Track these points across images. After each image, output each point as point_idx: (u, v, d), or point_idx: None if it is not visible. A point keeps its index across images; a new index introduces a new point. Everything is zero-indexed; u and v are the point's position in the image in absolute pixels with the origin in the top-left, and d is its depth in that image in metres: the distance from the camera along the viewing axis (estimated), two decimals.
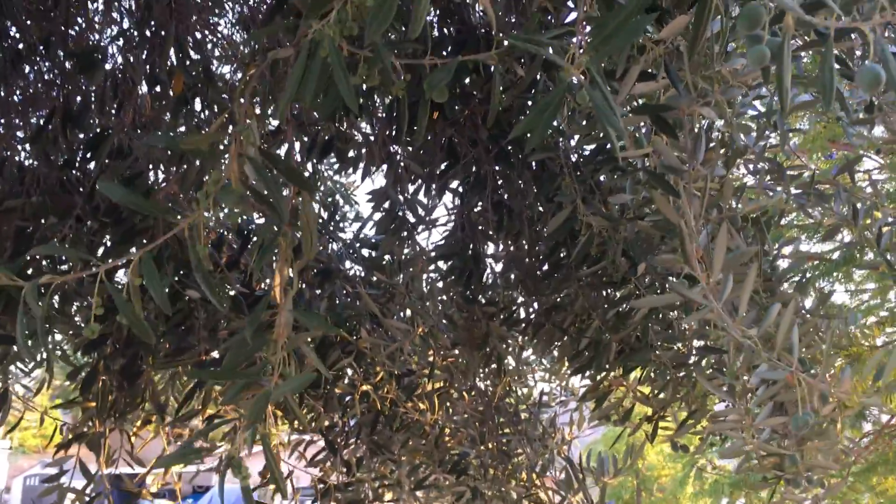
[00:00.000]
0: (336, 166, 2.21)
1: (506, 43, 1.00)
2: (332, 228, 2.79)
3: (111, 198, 0.85)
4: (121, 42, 2.31)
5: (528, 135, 0.93)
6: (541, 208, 2.00)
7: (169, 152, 1.99)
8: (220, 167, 0.93)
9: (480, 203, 2.05)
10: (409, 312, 2.46)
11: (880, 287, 4.32)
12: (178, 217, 0.91)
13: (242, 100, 0.97)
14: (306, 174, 2.11)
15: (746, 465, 1.88)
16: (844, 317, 2.59)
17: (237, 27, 2.88)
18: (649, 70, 1.17)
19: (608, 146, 1.80)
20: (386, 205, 2.10)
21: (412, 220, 2.12)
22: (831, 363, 1.76)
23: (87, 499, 2.06)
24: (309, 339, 1.11)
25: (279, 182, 0.96)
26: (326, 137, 1.89)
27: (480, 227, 2.14)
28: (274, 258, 1.07)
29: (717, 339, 1.51)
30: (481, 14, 1.70)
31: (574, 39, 0.95)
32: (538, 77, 1.51)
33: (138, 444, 2.16)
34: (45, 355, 1.95)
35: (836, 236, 2.09)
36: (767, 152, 2.11)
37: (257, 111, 1.07)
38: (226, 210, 0.92)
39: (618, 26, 0.88)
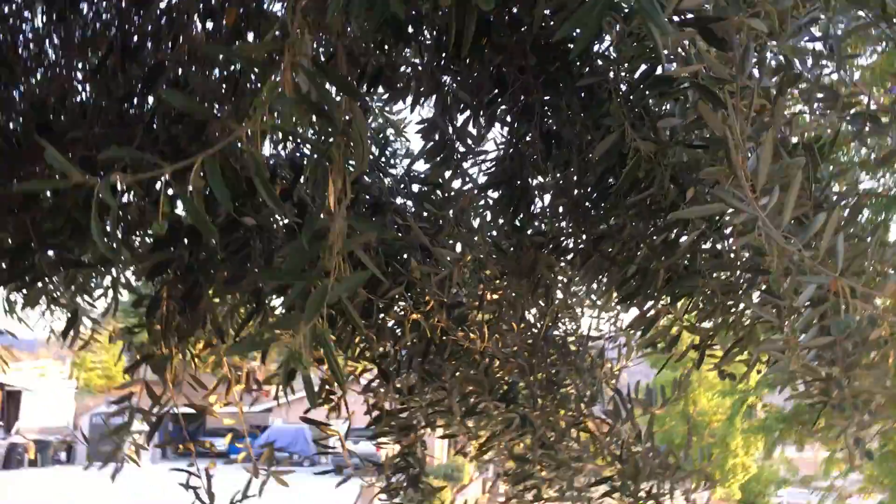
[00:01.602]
0: (385, 97, 2.23)
1: None
2: (382, 164, 2.83)
3: (172, 104, 0.89)
4: None
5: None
6: (589, 136, 2.00)
7: (223, 87, 2.04)
8: (274, 77, 0.97)
9: (529, 132, 2.06)
10: (458, 244, 2.51)
11: None
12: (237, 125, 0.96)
13: (294, 12, 1.00)
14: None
15: (792, 391, 1.90)
16: None
17: None
18: None
19: (658, 69, 1.79)
20: (435, 135, 2.13)
21: (461, 149, 2.14)
22: (883, 285, 1.75)
23: (154, 419, 2.18)
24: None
25: (331, 92, 1.00)
26: (375, 66, 1.91)
27: (529, 157, 2.15)
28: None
29: (766, 264, 1.52)
30: None
31: None
32: None
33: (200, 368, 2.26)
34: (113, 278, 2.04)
35: (891, 165, 2.05)
36: (824, 80, 2.07)
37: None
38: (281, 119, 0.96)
39: None
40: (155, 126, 1.99)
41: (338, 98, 1.05)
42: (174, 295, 2.17)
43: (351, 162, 1.19)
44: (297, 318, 0.98)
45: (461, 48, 1.83)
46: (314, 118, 1.01)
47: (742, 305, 2.05)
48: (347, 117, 1.08)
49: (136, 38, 2.19)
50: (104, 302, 2.45)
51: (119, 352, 2.45)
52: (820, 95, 2.07)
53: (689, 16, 1.30)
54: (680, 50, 1.57)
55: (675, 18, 1.35)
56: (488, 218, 2.27)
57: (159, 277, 2.09)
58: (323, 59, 1.97)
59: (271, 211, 2.11)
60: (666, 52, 1.59)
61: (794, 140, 1.85)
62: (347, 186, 1.10)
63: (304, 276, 0.99)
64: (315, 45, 1.70)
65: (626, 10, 1.24)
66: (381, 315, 2.50)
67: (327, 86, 1.03)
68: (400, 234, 2.51)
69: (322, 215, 1.12)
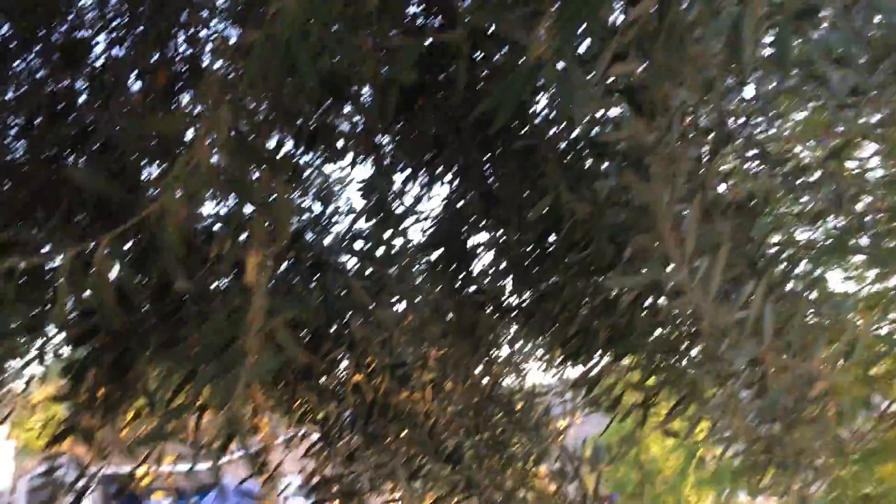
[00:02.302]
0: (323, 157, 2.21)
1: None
2: (325, 221, 2.80)
3: (77, 182, 0.85)
4: (110, 35, 2.32)
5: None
6: (528, 195, 2.00)
7: (156, 145, 1.99)
8: (190, 150, 0.94)
9: (468, 192, 2.05)
10: (400, 303, 2.47)
11: (880, 273, 4.31)
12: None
13: (212, 84, 0.98)
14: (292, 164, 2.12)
15: (734, 450, 1.89)
16: (835, 302, 2.58)
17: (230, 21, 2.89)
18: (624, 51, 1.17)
19: (594, 131, 1.80)
20: (374, 195, 2.10)
21: (400, 209, 2.12)
22: (815, 346, 1.76)
23: (78, 492, 2.07)
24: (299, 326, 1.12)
25: (250, 165, 0.97)
26: (312, 127, 1.89)
27: (469, 216, 2.14)
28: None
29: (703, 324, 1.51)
30: None
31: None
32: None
33: (130, 437, 2.17)
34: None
35: (821, 222, 2.09)
36: (757, 138, 2.11)
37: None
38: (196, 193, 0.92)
39: (583, 4, 0.88)
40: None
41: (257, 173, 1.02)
42: (103, 361, 2.08)
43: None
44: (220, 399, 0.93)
45: (398, 110, 1.82)
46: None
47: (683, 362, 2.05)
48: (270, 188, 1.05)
49: (66, 95, 2.14)
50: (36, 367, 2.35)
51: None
52: (754, 152, 2.11)
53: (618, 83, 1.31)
54: (612, 113, 1.58)
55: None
56: (428, 278, 2.24)
57: (87, 344, 2.01)
58: (259, 118, 1.95)
59: (207, 274, 2.06)
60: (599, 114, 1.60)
61: (729, 199, 1.86)
62: (269, 259, 1.06)
63: (219, 358, 0.95)
64: (252, 106, 1.67)
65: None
66: (323, 376, 2.44)
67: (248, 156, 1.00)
68: (342, 293, 2.47)
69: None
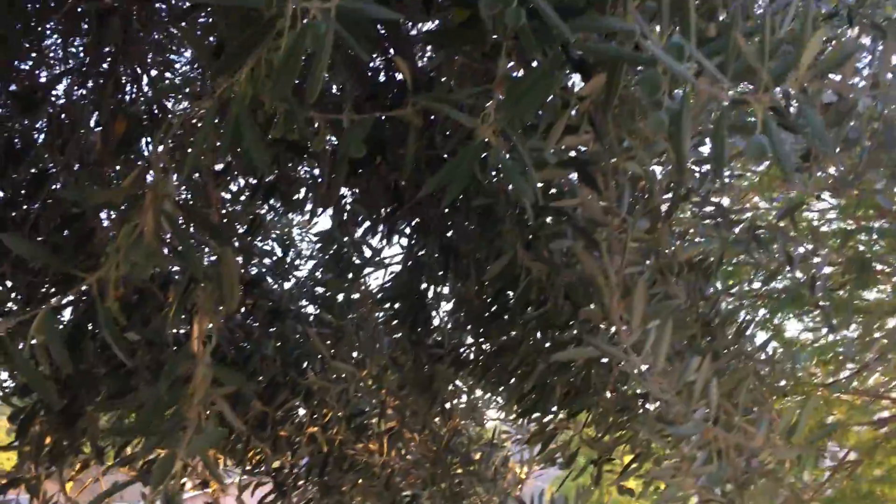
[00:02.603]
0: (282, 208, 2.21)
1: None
2: (286, 266, 2.78)
3: (14, 250, 0.84)
4: (69, 79, 2.30)
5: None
6: (486, 252, 2.00)
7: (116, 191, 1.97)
8: (133, 220, 0.93)
9: (427, 245, 2.06)
10: (358, 353, 2.46)
11: (835, 325, 4.37)
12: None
13: (160, 151, 0.97)
14: (251, 216, 2.11)
15: None
16: (790, 358, 2.62)
17: (195, 65, 2.89)
18: (575, 124, 1.19)
19: (551, 191, 1.82)
20: (332, 247, 2.10)
21: (358, 262, 2.12)
22: (765, 412, 1.78)
23: None
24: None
25: (193, 236, 0.96)
26: (270, 180, 1.89)
27: (427, 269, 2.14)
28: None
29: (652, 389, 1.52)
30: (424, 62, 1.72)
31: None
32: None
33: (77, 488, 2.12)
34: None
35: (774, 281, 2.12)
36: (713, 196, 2.15)
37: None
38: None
39: (528, 88, 0.89)
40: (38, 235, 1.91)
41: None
42: (51, 410, 2.04)
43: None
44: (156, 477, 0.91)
45: (358, 165, 1.83)
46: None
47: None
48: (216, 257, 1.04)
49: (22, 139, 2.11)
50: None
51: None
52: (709, 209, 2.14)
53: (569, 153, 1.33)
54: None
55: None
56: (386, 331, 2.24)
57: (33, 394, 1.96)
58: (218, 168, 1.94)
59: (159, 324, 2.03)
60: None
61: (680, 257, 1.88)
62: (215, 328, 1.05)
63: (159, 430, 0.93)
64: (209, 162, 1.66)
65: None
66: (276, 427, 2.41)
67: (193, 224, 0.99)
68: (299, 341, 2.45)
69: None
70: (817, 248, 2.49)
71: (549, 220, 1.89)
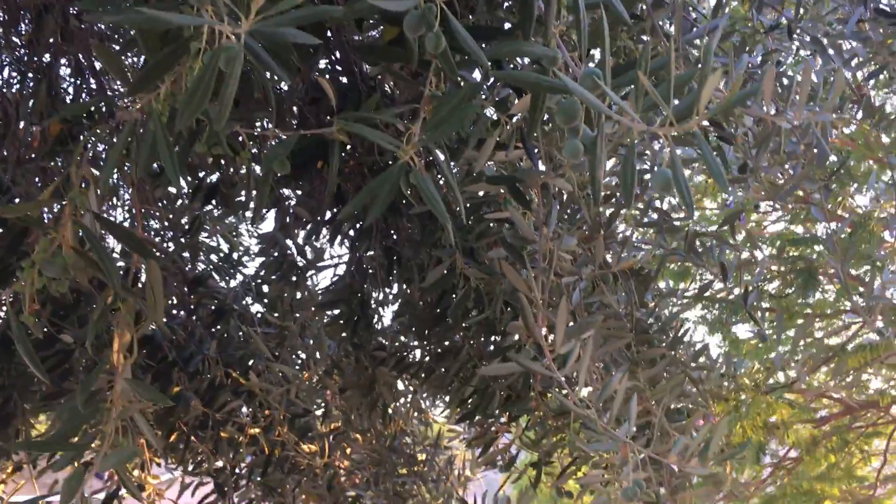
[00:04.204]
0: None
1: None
2: (233, 264, 2.76)
3: None
4: (6, 72, 2.26)
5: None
6: (429, 256, 2.01)
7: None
8: (49, 234, 0.92)
9: (369, 249, 2.06)
10: (301, 354, 2.45)
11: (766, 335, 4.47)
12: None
13: (79, 165, 0.96)
14: (195, 215, 2.09)
15: None
16: (731, 362, 2.67)
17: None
18: (506, 140, 1.20)
19: (490, 201, 1.83)
20: (276, 248, 2.09)
21: (302, 263, 2.11)
22: (694, 420, 1.82)
23: None
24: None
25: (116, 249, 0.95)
26: (211, 181, 1.87)
27: (371, 273, 2.14)
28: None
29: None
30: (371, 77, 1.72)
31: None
32: None
33: (10, 489, 2.08)
34: None
35: (710, 289, 2.17)
36: (654, 204, 2.18)
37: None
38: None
39: (451, 111, 0.90)
40: None
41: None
42: None
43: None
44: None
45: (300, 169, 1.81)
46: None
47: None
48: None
49: None
50: None
51: None
52: (651, 217, 2.18)
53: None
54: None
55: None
56: (329, 333, 2.23)
57: None
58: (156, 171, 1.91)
59: (97, 325, 2.00)
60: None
61: (617, 266, 1.90)
62: (135, 342, 1.04)
63: (73, 445, 0.92)
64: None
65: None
66: (217, 428, 2.39)
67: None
68: (242, 341, 2.44)
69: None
70: (756, 256, 2.53)
71: (491, 225, 1.90)
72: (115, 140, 1.01)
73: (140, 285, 1.23)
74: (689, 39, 1.42)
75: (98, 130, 1.01)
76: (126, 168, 1.24)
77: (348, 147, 1.50)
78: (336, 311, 2.21)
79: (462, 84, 0.93)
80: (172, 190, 2.27)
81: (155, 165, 1.76)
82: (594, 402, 1.11)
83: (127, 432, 0.97)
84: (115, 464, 0.90)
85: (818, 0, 2.16)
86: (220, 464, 2.51)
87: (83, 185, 0.95)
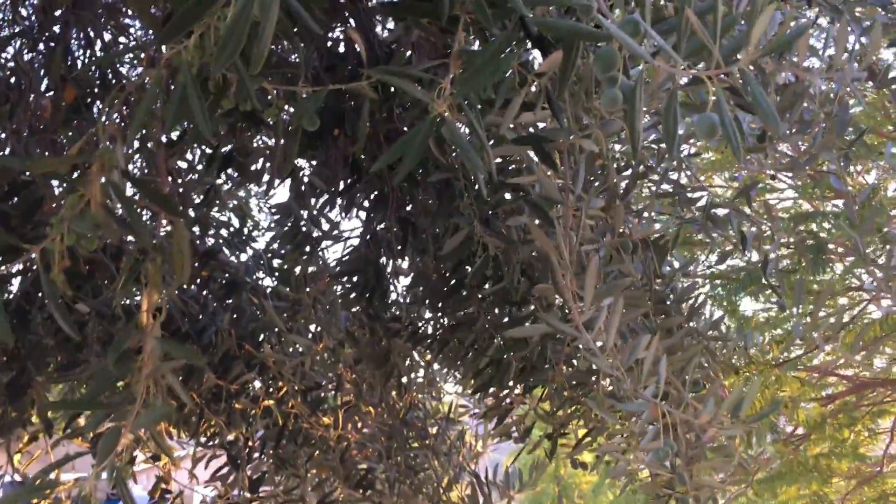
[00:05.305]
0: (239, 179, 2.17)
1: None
2: (243, 238, 2.75)
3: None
4: (18, 43, 2.23)
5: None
6: (445, 226, 2.00)
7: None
8: (79, 190, 0.91)
9: (385, 219, 2.04)
10: (315, 326, 2.45)
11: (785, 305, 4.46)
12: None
13: (106, 120, 0.95)
14: (207, 186, 2.08)
15: (634, 484, 1.92)
16: (742, 336, 2.67)
17: (149, 29, 2.81)
18: (532, 101, 1.18)
19: (510, 167, 1.81)
20: (290, 219, 2.08)
21: (316, 234, 2.10)
22: (714, 389, 1.81)
23: None
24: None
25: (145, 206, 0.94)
26: (226, 150, 1.85)
27: (386, 243, 2.13)
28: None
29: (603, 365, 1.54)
30: (384, 34, 1.70)
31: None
32: None
33: (25, 460, 2.08)
34: None
35: (728, 259, 2.15)
36: (671, 174, 2.16)
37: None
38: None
39: (485, 63, 0.89)
40: None
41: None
42: None
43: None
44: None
45: (315, 137, 1.80)
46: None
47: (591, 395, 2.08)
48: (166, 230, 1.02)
49: None
50: None
51: None
52: (666, 188, 2.16)
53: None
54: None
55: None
56: (343, 305, 2.23)
57: None
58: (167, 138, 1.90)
59: (109, 295, 2.00)
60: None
61: (636, 234, 1.89)
62: (164, 301, 1.03)
63: (107, 404, 0.92)
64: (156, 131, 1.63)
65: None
66: (230, 400, 2.39)
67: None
68: (255, 313, 2.43)
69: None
70: (773, 227, 2.52)
71: (507, 195, 1.89)
72: (139, 96, 0.99)
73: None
74: None
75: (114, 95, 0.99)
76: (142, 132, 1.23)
77: (364, 115, 1.48)
78: (350, 283, 2.20)
79: (493, 37, 0.92)
80: (182, 164, 2.26)
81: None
82: (623, 365, 1.10)
83: (157, 392, 0.97)
84: (148, 422, 0.90)
85: None
86: (233, 436, 2.52)
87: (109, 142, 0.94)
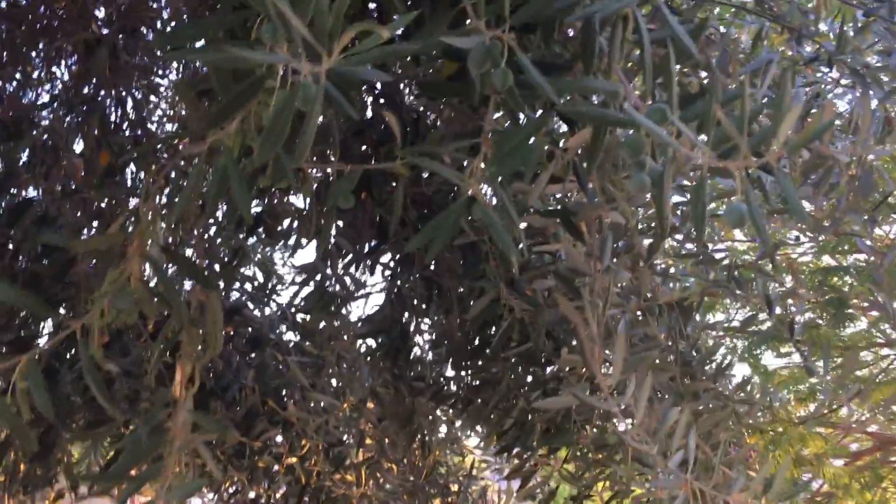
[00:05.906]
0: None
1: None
2: (267, 292, 2.77)
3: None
4: (54, 105, 2.30)
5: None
6: (470, 287, 2.01)
7: (95, 223, 1.97)
8: (118, 267, 0.93)
9: (409, 280, 2.06)
10: (338, 384, 2.45)
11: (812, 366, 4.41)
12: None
13: (148, 198, 0.97)
14: (237, 246, 2.11)
15: None
16: (767, 394, 2.64)
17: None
18: (560, 175, 1.20)
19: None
20: (315, 278, 2.10)
21: (341, 294, 2.12)
22: (744, 454, 1.79)
23: None
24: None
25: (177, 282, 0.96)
26: (255, 212, 1.89)
27: (410, 302, 2.14)
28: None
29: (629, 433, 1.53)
30: (414, 109, 1.74)
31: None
32: None
33: None
34: None
35: (755, 322, 2.15)
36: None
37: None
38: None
39: (517, 145, 0.91)
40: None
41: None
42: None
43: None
44: None
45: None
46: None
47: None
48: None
49: (4, 167, 2.10)
50: None
51: None
52: (689, 248, 2.17)
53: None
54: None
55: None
56: (367, 362, 2.23)
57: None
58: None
59: (139, 353, 2.02)
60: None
61: (661, 299, 1.90)
62: (197, 373, 1.05)
63: (136, 478, 0.93)
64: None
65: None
66: (253, 457, 2.39)
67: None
68: (278, 370, 2.44)
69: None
70: (795, 286, 2.51)
71: (533, 257, 1.90)
72: (182, 177, 1.02)
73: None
74: (742, 73, 1.42)
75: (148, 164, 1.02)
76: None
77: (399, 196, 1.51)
78: (375, 341, 2.22)
79: (525, 119, 0.94)
80: (210, 222, 2.30)
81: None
82: (651, 438, 1.10)
83: (188, 464, 0.98)
84: (181, 496, 0.91)
85: (858, 32, 2.16)
86: (255, 493, 2.51)
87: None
